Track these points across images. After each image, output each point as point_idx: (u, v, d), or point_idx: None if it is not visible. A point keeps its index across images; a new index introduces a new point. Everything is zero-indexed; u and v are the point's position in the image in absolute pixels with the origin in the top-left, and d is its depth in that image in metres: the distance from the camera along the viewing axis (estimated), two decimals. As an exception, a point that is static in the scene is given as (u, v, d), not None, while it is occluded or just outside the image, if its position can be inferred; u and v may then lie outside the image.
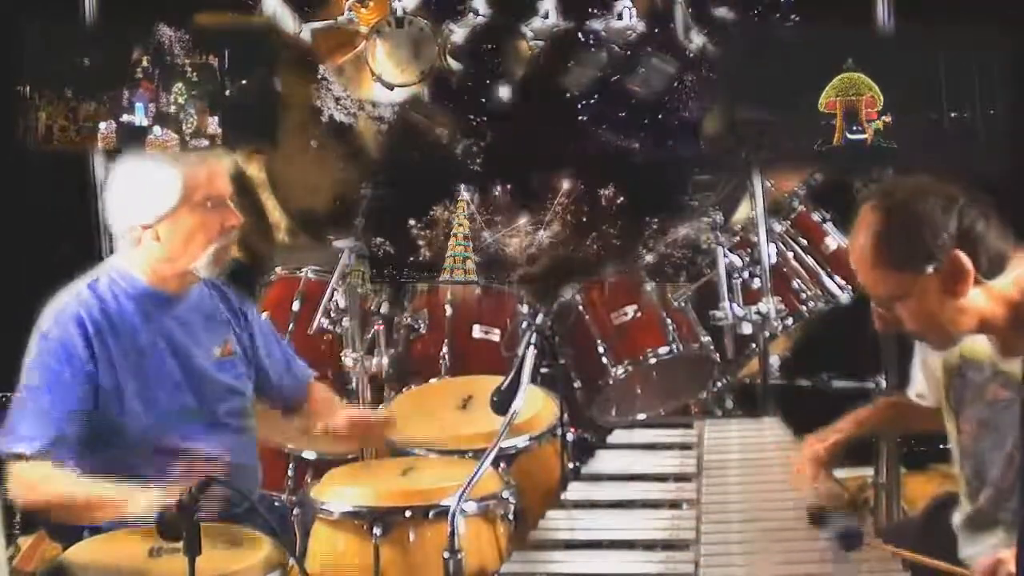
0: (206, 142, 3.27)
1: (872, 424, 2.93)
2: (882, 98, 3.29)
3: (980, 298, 2.31)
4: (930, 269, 2.28)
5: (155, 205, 2.81)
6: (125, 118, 3.16)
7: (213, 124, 3.23)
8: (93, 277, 2.87)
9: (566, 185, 4.71)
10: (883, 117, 3.30)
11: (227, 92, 3.22)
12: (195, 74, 3.20)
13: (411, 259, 4.68)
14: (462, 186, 4.61)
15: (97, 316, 2.80)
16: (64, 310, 2.80)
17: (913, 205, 2.31)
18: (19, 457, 2.72)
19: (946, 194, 2.31)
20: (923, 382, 2.72)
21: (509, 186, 4.73)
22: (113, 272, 2.88)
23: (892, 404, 2.98)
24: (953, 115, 3.26)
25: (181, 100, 3.17)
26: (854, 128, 3.32)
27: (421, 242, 4.69)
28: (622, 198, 4.75)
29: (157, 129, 3.16)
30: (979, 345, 2.46)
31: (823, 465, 2.77)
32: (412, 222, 4.71)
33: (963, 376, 2.52)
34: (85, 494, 2.69)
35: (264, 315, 3.97)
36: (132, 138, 3.19)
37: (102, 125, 3.13)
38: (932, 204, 2.29)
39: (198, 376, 2.91)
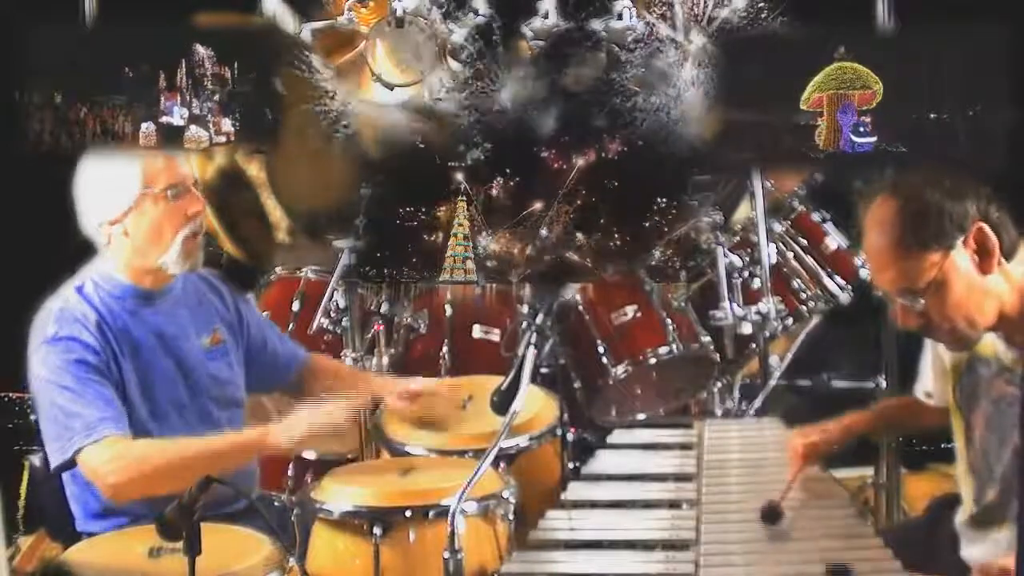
0: (223, 139, 3.36)
1: (863, 430, 2.92)
2: (879, 90, 3.20)
3: (1001, 283, 2.30)
4: (959, 242, 2.26)
5: (118, 199, 2.83)
6: (164, 119, 3.28)
7: (227, 124, 3.33)
8: (77, 282, 2.88)
9: (567, 185, 4.71)
10: (863, 117, 3.21)
11: (235, 96, 3.34)
12: (210, 82, 3.30)
13: (411, 259, 4.67)
14: (462, 186, 4.61)
15: (93, 317, 2.80)
16: (63, 311, 2.80)
17: (929, 187, 2.30)
18: (98, 442, 2.67)
19: (958, 180, 2.31)
20: (932, 380, 2.71)
21: (511, 185, 4.73)
22: (94, 275, 2.89)
23: (888, 408, 2.98)
24: (932, 116, 3.21)
25: (208, 104, 3.28)
26: (861, 130, 3.22)
27: (423, 239, 4.69)
28: (622, 198, 4.74)
29: (193, 128, 3.26)
30: (989, 341, 2.46)
31: (804, 461, 2.77)
32: (412, 222, 4.71)
33: (973, 372, 2.52)
34: (214, 446, 2.72)
35: (264, 314, 3.98)
36: (170, 137, 3.31)
37: (143, 126, 3.25)
38: (946, 186, 2.29)
39: (189, 368, 2.92)
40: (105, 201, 2.85)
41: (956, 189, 2.29)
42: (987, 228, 2.27)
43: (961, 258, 2.27)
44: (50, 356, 2.76)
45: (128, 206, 2.82)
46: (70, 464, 2.73)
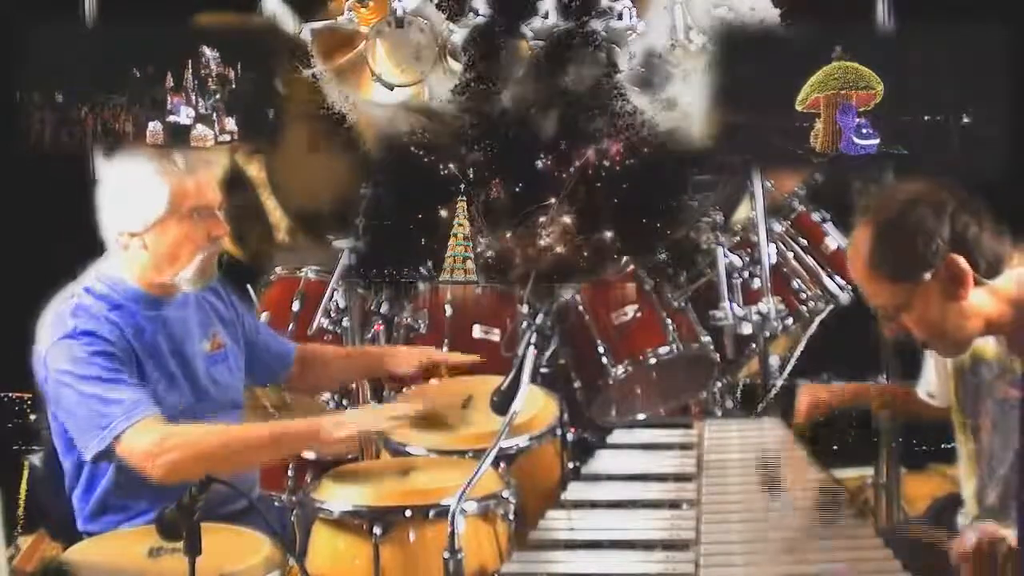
0: (228, 137, 3.39)
1: (867, 401, 2.96)
2: (881, 90, 3.15)
3: (983, 299, 2.31)
4: (927, 277, 2.28)
5: (143, 214, 2.81)
6: (171, 119, 3.32)
7: (231, 123, 3.36)
8: (86, 283, 2.87)
9: (567, 186, 4.71)
10: (862, 118, 3.16)
11: (235, 96, 3.36)
12: (214, 82, 3.33)
13: (411, 259, 4.68)
14: (462, 186, 4.61)
15: (109, 314, 2.80)
16: (78, 308, 2.80)
17: (903, 215, 2.32)
18: (137, 424, 2.66)
19: (936, 200, 2.31)
20: (935, 382, 2.72)
21: (511, 185, 4.73)
22: (103, 277, 2.88)
23: (892, 391, 2.99)
24: (927, 119, 3.17)
25: (211, 102, 3.31)
26: (864, 131, 3.17)
27: (422, 239, 4.70)
28: (622, 198, 4.75)
29: (200, 127, 3.29)
30: (989, 343, 2.46)
31: (810, 412, 2.79)
32: (412, 222, 4.72)
33: (975, 374, 2.52)
34: (265, 432, 2.72)
35: (264, 315, 3.99)
36: (176, 136, 3.34)
37: (151, 125, 3.27)
38: (922, 212, 2.30)
39: (194, 371, 2.92)
40: (130, 212, 2.82)
41: (930, 214, 2.29)
42: (957, 260, 2.27)
43: (931, 288, 2.29)
44: (72, 350, 2.73)
45: (152, 222, 2.81)
46: (109, 452, 2.70)
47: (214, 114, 3.37)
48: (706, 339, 4.10)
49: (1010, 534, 2.14)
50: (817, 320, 4.29)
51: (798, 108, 3.17)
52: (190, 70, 3.32)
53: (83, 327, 2.75)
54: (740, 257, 4.08)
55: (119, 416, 2.67)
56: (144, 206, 2.81)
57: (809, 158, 3.22)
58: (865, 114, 3.14)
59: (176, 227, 2.82)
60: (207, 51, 3.31)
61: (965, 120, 3.15)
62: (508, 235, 4.65)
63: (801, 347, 4.38)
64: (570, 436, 3.14)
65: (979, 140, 3.15)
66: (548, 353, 3.96)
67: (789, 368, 4.28)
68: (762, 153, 3.41)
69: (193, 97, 3.33)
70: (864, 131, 3.15)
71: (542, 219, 4.69)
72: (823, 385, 2.95)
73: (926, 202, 2.31)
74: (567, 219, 4.72)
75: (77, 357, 2.73)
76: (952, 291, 2.29)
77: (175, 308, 2.93)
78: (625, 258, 4.27)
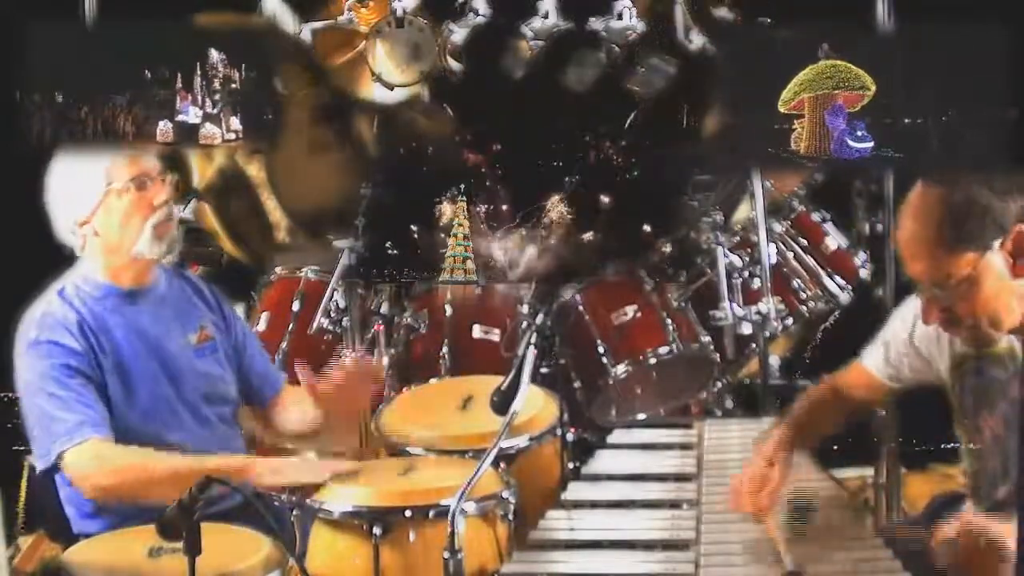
0: (233, 135, 3.41)
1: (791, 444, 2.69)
2: (874, 91, 3.06)
3: None
4: (996, 244, 2.23)
5: (84, 199, 2.86)
6: (179, 118, 3.35)
7: (235, 122, 3.39)
8: (59, 286, 2.90)
9: (568, 186, 4.71)
10: (856, 120, 3.09)
11: (235, 95, 3.38)
12: (220, 82, 3.35)
13: (411, 259, 4.67)
14: (462, 186, 4.61)
15: (74, 319, 2.82)
16: (44, 315, 2.83)
17: (972, 184, 2.26)
18: (79, 445, 2.70)
19: (1003, 178, 2.27)
20: (899, 360, 2.64)
21: (512, 185, 4.73)
22: (76, 279, 2.91)
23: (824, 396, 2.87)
24: (907, 121, 3.10)
25: (220, 106, 3.34)
26: (859, 134, 3.09)
27: (422, 239, 4.69)
28: (623, 198, 4.75)
29: (208, 125, 3.31)
30: (1003, 340, 2.43)
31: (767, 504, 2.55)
32: (412, 222, 4.71)
33: (983, 374, 2.49)
34: (199, 466, 2.66)
35: (264, 315, 3.99)
36: (186, 135, 3.37)
37: (160, 123, 3.30)
38: (993, 186, 2.25)
39: (176, 365, 2.93)
40: (73, 204, 2.88)
41: (1001, 190, 2.24)
42: None
43: (996, 258, 2.23)
44: (33, 361, 2.78)
45: (95, 204, 2.85)
46: (55, 469, 2.76)
47: (220, 114, 3.38)
48: (706, 339, 4.10)
49: (994, 526, 2.14)
50: (822, 326, 4.30)
51: (781, 109, 3.08)
52: (198, 72, 3.33)
53: (44, 337, 2.79)
54: (740, 257, 4.08)
55: (62, 435, 2.72)
56: (83, 191, 2.86)
57: (804, 162, 3.17)
58: (856, 115, 3.08)
59: (117, 201, 2.85)
60: (213, 52, 3.32)
61: (962, 121, 3.12)
62: (509, 235, 4.65)
63: (807, 353, 4.40)
64: (570, 436, 3.15)
65: (977, 140, 3.14)
66: (548, 351, 3.96)
67: (797, 372, 4.30)
68: (760, 155, 3.38)
69: (200, 97, 3.34)
70: (859, 133, 3.08)
71: (543, 219, 4.69)
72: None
73: (993, 180, 2.27)
74: (567, 219, 4.72)
75: (37, 369, 2.78)
76: (1016, 263, 2.22)
77: (151, 303, 2.95)
78: (624, 260, 4.27)
